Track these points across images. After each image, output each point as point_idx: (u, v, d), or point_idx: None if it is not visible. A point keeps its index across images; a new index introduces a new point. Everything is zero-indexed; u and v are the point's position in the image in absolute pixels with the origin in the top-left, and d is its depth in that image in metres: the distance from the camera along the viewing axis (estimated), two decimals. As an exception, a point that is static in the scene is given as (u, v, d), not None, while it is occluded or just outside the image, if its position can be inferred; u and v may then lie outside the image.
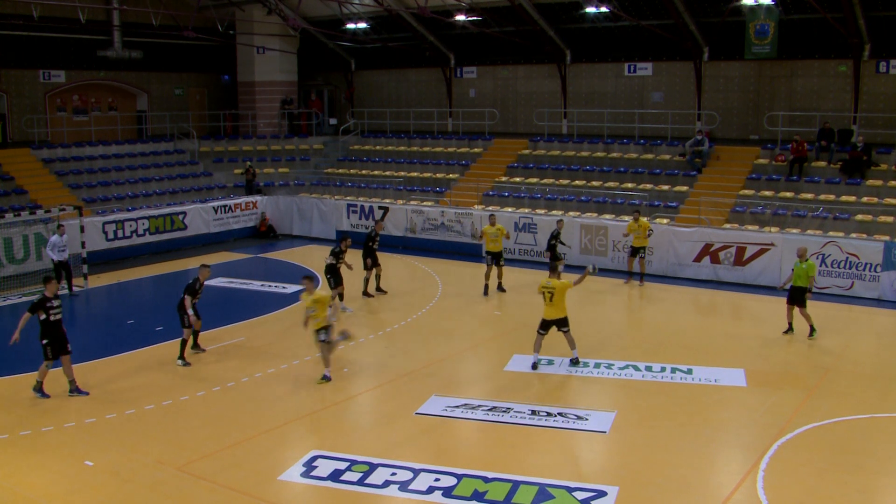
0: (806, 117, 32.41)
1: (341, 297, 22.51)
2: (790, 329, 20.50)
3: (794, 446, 14.07)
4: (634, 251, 26.47)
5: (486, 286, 25.15)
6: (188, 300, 18.40)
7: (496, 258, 25.00)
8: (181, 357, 18.51)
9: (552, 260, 25.17)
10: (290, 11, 38.73)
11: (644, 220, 26.56)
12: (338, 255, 22.53)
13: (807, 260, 20.28)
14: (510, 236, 26.67)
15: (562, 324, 17.90)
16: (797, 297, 20.24)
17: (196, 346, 19.24)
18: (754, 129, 34.36)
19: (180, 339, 18.68)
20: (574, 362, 18.03)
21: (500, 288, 25.36)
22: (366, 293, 24.69)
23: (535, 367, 17.90)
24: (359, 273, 24.49)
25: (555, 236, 26.30)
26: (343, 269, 22.85)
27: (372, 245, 24.67)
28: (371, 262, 24.66)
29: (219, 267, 29.42)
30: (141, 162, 37.05)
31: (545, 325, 17.93)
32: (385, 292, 24.96)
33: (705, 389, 17.03)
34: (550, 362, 18.42)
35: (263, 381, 17.53)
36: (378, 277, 24.97)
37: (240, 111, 43.39)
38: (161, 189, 35.52)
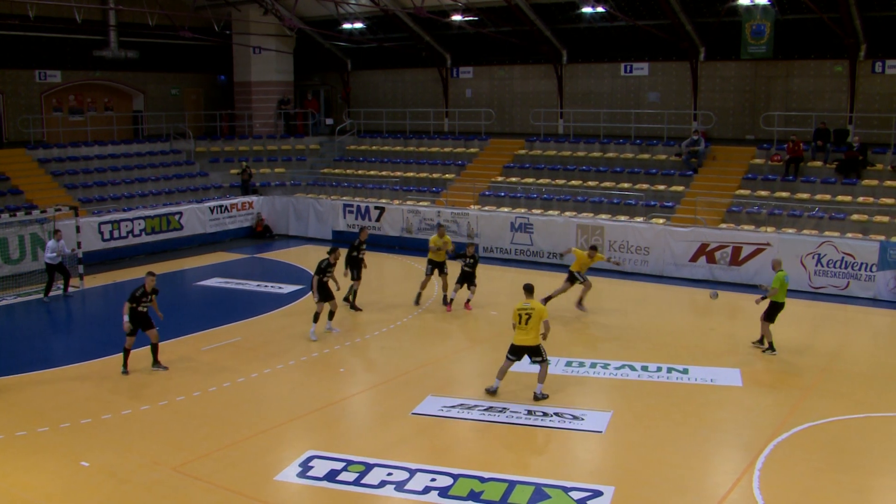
0: (802, 117, 32.44)
1: (332, 314, 21.07)
2: (768, 346, 19.43)
3: (790, 446, 14.09)
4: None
5: (420, 294, 24.06)
6: (126, 307, 17.56)
7: (439, 267, 23.94)
8: (124, 366, 17.76)
9: (460, 277, 23.37)
10: (286, 11, 38.68)
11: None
12: (325, 269, 20.50)
13: (778, 271, 19.16)
14: (452, 248, 24.35)
15: (535, 353, 16.17)
16: (769, 309, 19.32)
17: (156, 362, 18.24)
18: (750, 129, 34.38)
19: (123, 348, 17.87)
20: (536, 398, 16.13)
21: (446, 301, 23.92)
22: (353, 306, 23.46)
23: (495, 392, 16.38)
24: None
25: (461, 255, 23.76)
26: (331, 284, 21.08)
27: (357, 255, 23.30)
28: (355, 274, 23.33)
29: (215, 267, 29.51)
30: (137, 162, 36.99)
31: (516, 352, 16.24)
32: (360, 310, 23.40)
33: (701, 389, 17.05)
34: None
35: (259, 382, 17.53)
36: (354, 293, 23.61)
37: (236, 111, 43.35)
38: (157, 189, 35.48)
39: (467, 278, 23.45)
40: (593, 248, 23.38)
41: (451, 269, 23.93)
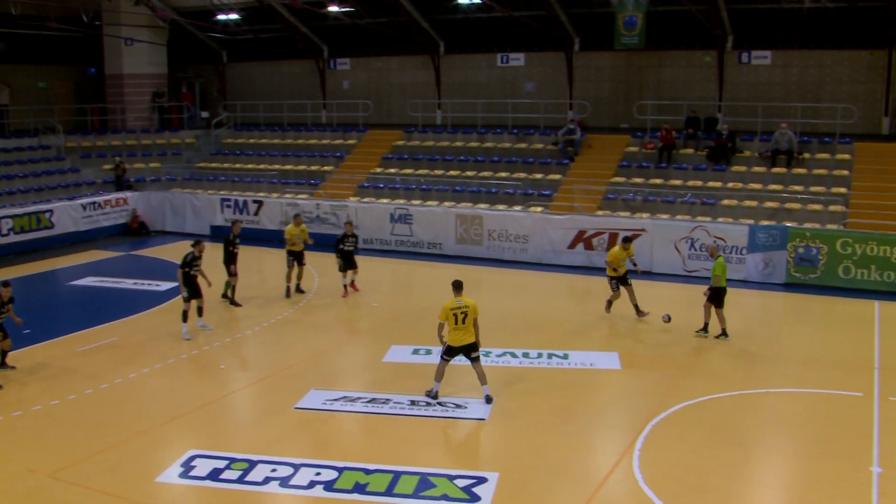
0: (673, 106, 33.25)
1: (200, 311, 20.52)
2: (723, 333, 19.65)
3: (668, 425, 14.47)
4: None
5: (288, 288, 24.01)
6: None
7: (298, 258, 23.93)
8: None
9: (344, 262, 23.83)
10: (158, 2, 37.86)
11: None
12: (191, 263, 19.89)
13: (717, 258, 19.62)
14: (312, 241, 24.56)
15: (474, 349, 15.56)
16: (711, 295, 19.62)
17: (3, 364, 17.64)
18: (624, 118, 35.10)
19: None
20: (489, 400, 15.57)
21: (299, 289, 24.23)
22: (233, 301, 22.98)
23: (436, 396, 15.73)
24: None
25: (342, 239, 23.93)
26: (201, 280, 20.43)
27: (232, 249, 22.82)
28: (234, 269, 22.86)
29: (89, 266, 28.71)
30: (3, 158, 35.62)
31: (452, 352, 15.56)
32: (240, 305, 22.97)
33: (581, 373, 17.36)
34: (429, 352, 18.51)
35: (138, 382, 17.12)
36: (233, 288, 23.14)
37: (108, 105, 42.12)
38: (25, 186, 34.25)
39: (349, 260, 23.79)
40: (627, 240, 21.51)
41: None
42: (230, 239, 22.99)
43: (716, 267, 19.40)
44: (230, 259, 22.85)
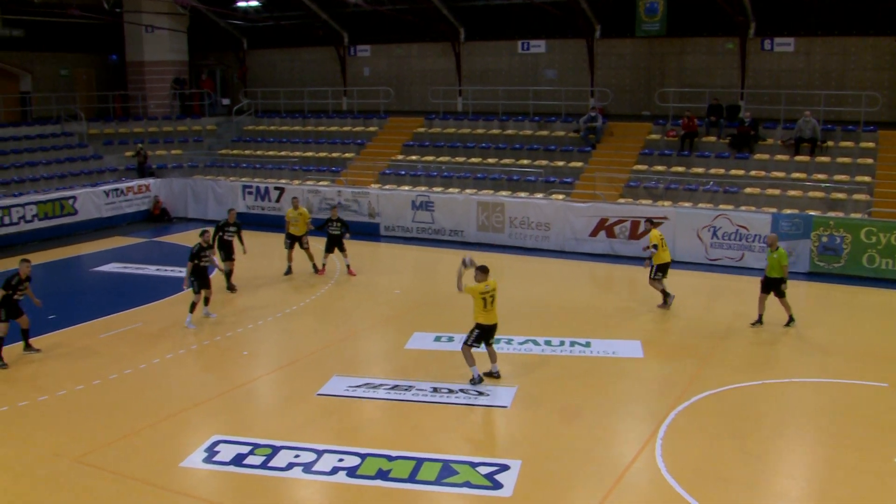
0: (695, 93, 33.08)
1: (207, 301, 20.52)
2: (759, 321, 19.63)
3: (690, 414, 14.43)
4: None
5: (289, 267, 25.09)
6: (0, 294, 17.04)
7: (298, 241, 24.85)
8: None
9: (329, 244, 24.74)
10: (178, -11, 37.92)
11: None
12: (198, 254, 19.98)
13: (777, 249, 19.49)
14: (311, 226, 25.21)
15: (494, 332, 16.22)
16: (771, 286, 19.51)
17: (28, 346, 17.87)
18: (646, 106, 34.95)
19: None
20: (497, 375, 16.12)
21: (315, 268, 25.12)
22: (229, 286, 23.20)
23: (481, 380, 15.93)
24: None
25: (326, 223, 24.90)
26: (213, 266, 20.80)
27: (223, 236, 23.13)
28: (224, 255, 23.03)
29: (112, 252, 28.84)
30: (27, 145, 35.80)
31: (484, 334, 15.98)
32: (235, 290, 23.26)
33: (603, 362, 17.33)
34: (451, 339, 18.53)
35: (161, 367, 17.22)
36: (228, 274, 23.32)
37: (129, 92, 42.26)
38: (49, 173, 34.41)
39: (336, 243, 24.63)
40: (649, 221, 21.99)
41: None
42: (221, 225, 23.39)
43: (781, 258, 19.27)
44: (222, 246, 23.13)
